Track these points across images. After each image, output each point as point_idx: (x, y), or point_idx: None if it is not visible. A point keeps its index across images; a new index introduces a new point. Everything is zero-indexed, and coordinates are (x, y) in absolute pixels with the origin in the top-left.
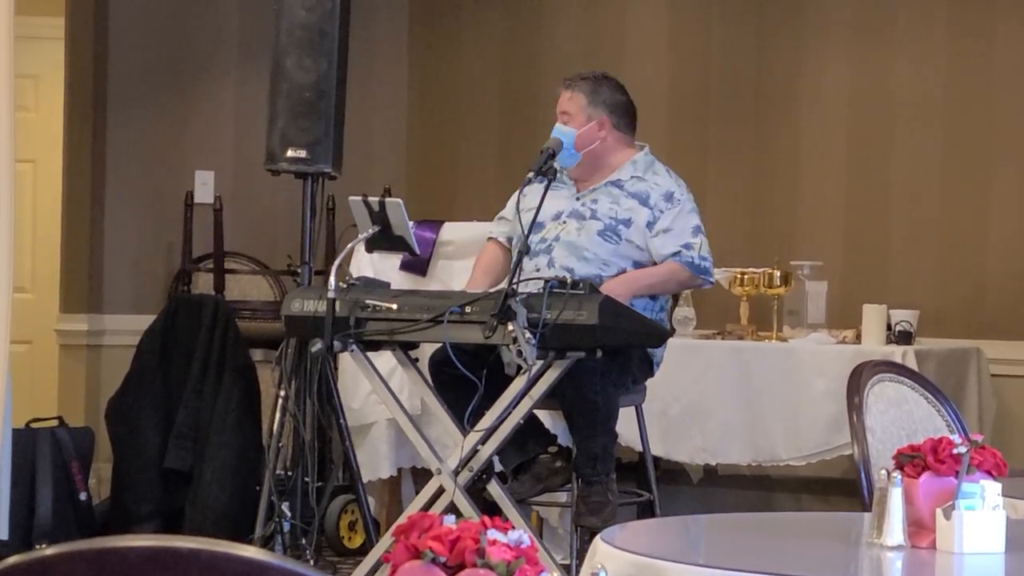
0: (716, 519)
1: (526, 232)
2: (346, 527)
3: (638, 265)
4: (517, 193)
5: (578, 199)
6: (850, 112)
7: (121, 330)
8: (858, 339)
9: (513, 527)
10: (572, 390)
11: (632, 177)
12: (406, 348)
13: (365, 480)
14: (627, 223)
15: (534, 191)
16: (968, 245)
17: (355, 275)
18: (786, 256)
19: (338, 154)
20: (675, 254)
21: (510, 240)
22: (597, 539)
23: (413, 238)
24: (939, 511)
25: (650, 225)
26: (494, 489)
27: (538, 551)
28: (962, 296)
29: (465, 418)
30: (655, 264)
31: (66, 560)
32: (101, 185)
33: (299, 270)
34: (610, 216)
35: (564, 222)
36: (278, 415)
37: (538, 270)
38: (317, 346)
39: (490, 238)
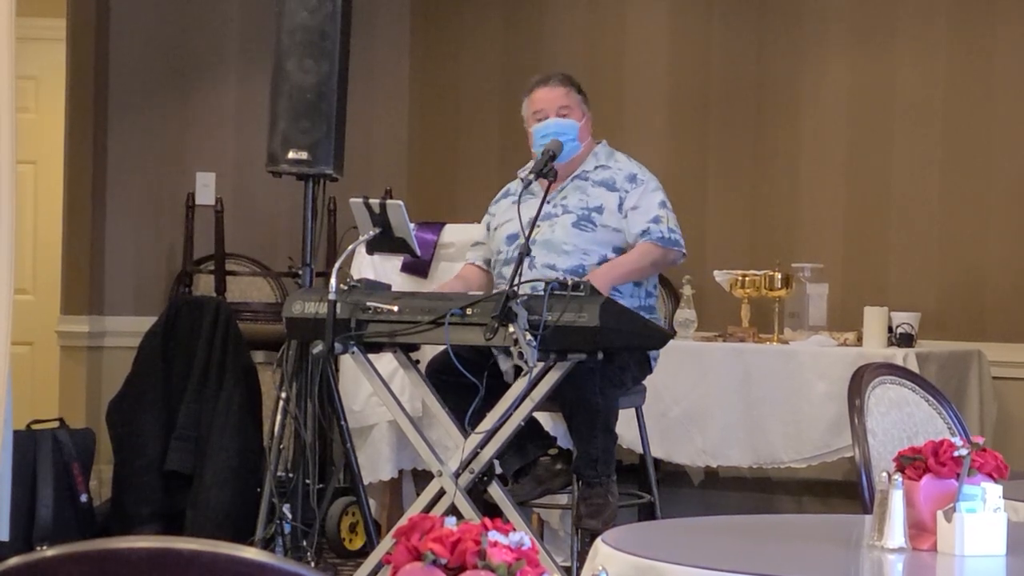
0: (717, 521)
1: (528, 231)
2: (347, 529)
3: (618, 250)
4: (517, 202)
5: (549, 202)
6: (850, 115)
7: (122, 332)
8: (859, 341)
9: (514, 529)
10: (572, 392)
11: (596, 167)
12: (407, 350)
13: (366, 482)
14: (599, 210)
15: (504, 207)
16: (969, 247)
17: (356, 277)
18: (787, 258)
19: (339, 156)
20: (644, 232)
21: (487, 262)
22: (598, 541)
23: (414, 240)
24: (940, 513)
25: (620, 207)
26: (495, 491)
27: (539, 553)
28: (963, 298)
29: (466, 420)
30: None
31: (66, 561)
32: (102, 186)
33: (300, 272)
34: (581, 207)
35: (538, 227)
36: (279, 417)
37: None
38: (318, 348)
39: (467, 264)
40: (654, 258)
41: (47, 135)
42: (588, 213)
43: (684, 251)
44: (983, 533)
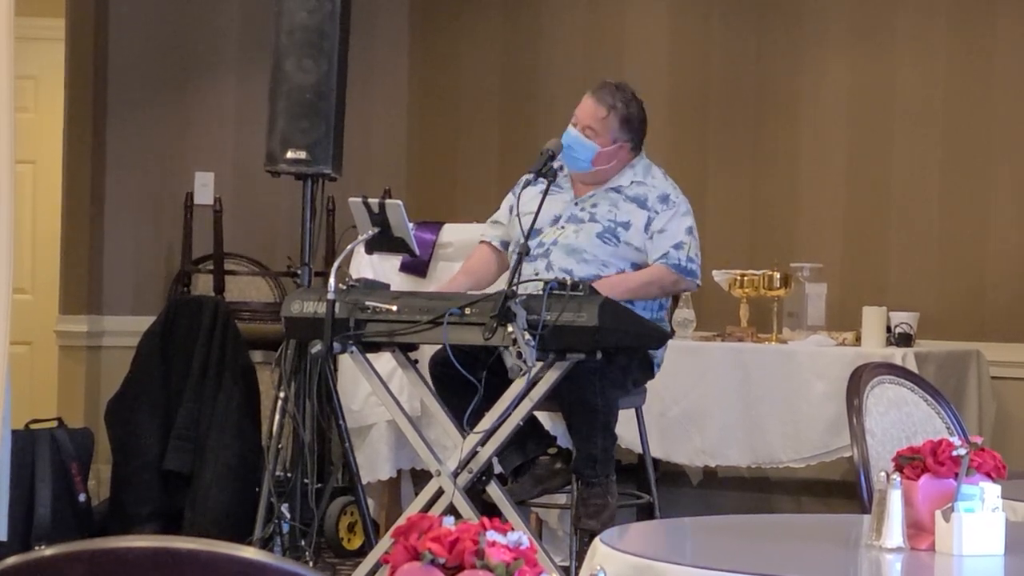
0: (715, 521)
1: (526, 234)
2: (345, 528)
3: (636, 267)
4: (517, 195)
5: (576, 204)
6: (850, 114)
7: (121, 331)
8: (858, 341)
9: (512, 528)
10: (572, 392)
11: (632, 182)
12: (406, 350)
13: (364, 481)
14: (626, 226)
15: (529, 194)
16: (968, 247)
17: (355, 276)
18: (786, 258)
19: (338, 155)
20: (664, 255)
21: (504, 244)
22: (596, 541)
23: (413, 239)
24: (938, 513)
25: (647, 227)
26: (493, 491)
27: (537, 552)
28: (962, 298)
29: (465, 420)
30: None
31: (64, 561)
32: (101, 186)
33: (299, 271)
34: (609, 219)
35: (562, 227)
36: (277, 416)
37: (536, 274)
38: (317, 347)
39: (482, 241)
40: (664, 283)
41: (46, 135)
42: (615, 227)
43: (699, 281)
44: (981, 533)
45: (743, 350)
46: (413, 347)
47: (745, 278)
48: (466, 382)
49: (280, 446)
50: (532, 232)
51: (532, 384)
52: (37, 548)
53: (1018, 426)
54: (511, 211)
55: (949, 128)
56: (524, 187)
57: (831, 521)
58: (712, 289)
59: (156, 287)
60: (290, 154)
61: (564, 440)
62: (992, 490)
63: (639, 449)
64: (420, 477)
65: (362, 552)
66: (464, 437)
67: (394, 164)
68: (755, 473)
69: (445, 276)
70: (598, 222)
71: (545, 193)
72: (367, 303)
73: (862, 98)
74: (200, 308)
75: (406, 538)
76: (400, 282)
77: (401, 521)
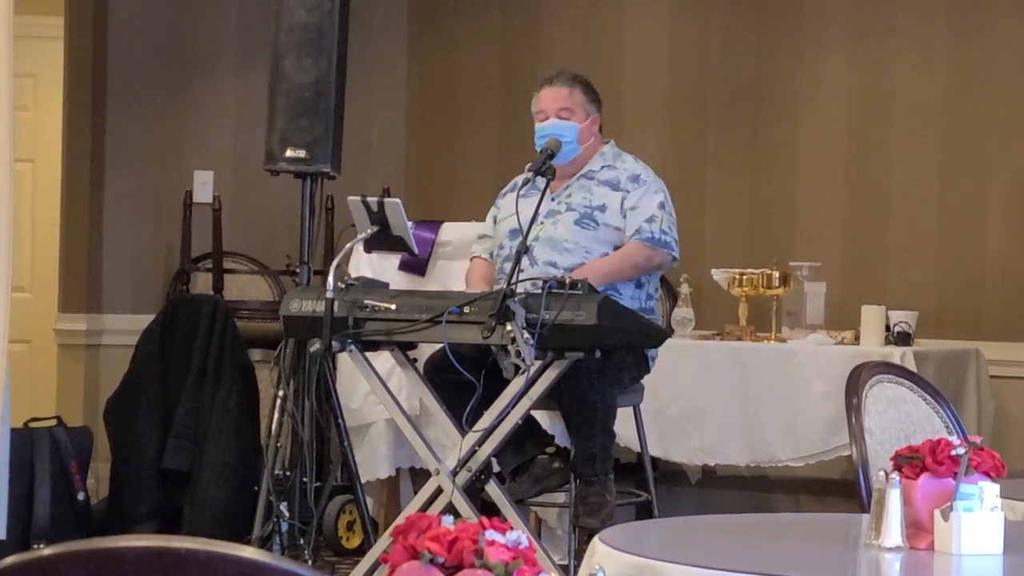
0: (714, 520)
1: (526, 230)
2: (344, 527)
3: (619, 249)
4: (516, 197)
5: (554, 199)
6: (849, 113)
7: (120, 330)
8: (857, 340)
9: (511, 527)
10: (570, 390)
11: (602, 167)
12: (404, 348)
13: (363, 480)
14: (602, 208)
15: (509, 201)
16: (967, 246)
17: (354, 275)
18: (785, 257)
19: (337, 154)
20: (636, 231)
21: (492, 256)
22: (595, 539)
23: (412, 238)
24: (937, 512)
25: (622, 207)
26: (492, 489)
27: (536, 552)
28: (961, 297)
29: (463, 419)
30: None
31: (63, 560)
32: (100, 185)
33: (298, 270)
34: (584, 205)
35: (541, 223)
36: (276, 415)
37: (522, 271)
38: (316, 346)
39: (474, 257)
40: (637, 260)
41: (45, 133)
42: (591, 211)
43: (675, 255)
44: (980, 532)
45: (742, 349)
46: (412, 346)
47: (744, 277)
48: (463, 382)
49: (279, 445)
50: (513, 233)
51: (531, 383)
52: (36, 547)
53: (1017, 425)
54: (495, 221)
55: (948, 127)
56: (523, 185)
57: (830, 520)
58: (711, 288)
59: (155, 285)
60: (289, 152)
61: (562, 439)
62: (991, 489)
63: (638, 448)
64: (419, 476)
65: (361, 551)
66: (463, 436)
67: (393, 162)
68: (754, 472)
69: (444, 275)
70: (574, 210)
71: (545, 189)
72: (366, 302)
73: (861, 97)
74: (199, 307)
75: (405, 537)
76: (399, 281)
77: (400, 520)
